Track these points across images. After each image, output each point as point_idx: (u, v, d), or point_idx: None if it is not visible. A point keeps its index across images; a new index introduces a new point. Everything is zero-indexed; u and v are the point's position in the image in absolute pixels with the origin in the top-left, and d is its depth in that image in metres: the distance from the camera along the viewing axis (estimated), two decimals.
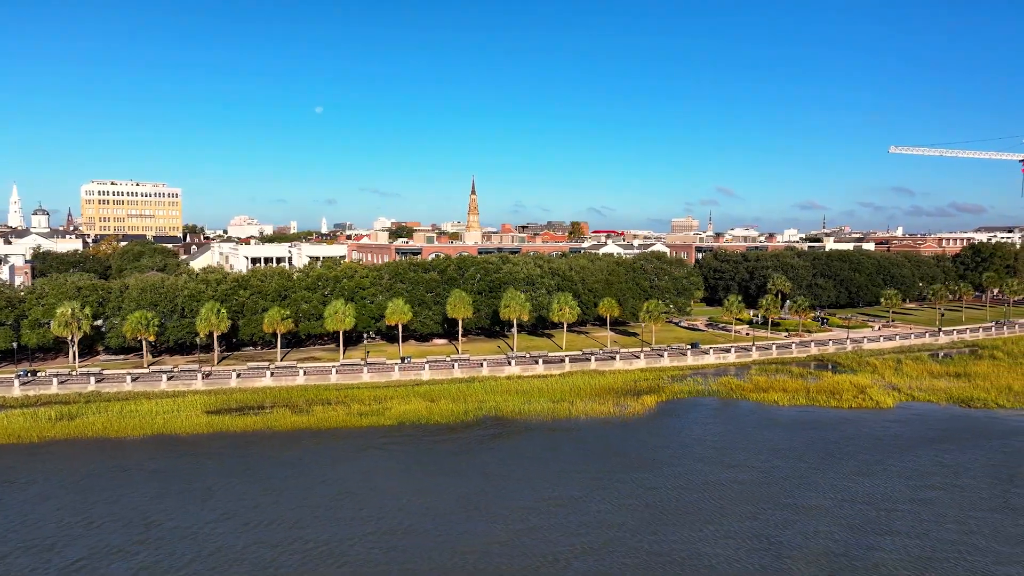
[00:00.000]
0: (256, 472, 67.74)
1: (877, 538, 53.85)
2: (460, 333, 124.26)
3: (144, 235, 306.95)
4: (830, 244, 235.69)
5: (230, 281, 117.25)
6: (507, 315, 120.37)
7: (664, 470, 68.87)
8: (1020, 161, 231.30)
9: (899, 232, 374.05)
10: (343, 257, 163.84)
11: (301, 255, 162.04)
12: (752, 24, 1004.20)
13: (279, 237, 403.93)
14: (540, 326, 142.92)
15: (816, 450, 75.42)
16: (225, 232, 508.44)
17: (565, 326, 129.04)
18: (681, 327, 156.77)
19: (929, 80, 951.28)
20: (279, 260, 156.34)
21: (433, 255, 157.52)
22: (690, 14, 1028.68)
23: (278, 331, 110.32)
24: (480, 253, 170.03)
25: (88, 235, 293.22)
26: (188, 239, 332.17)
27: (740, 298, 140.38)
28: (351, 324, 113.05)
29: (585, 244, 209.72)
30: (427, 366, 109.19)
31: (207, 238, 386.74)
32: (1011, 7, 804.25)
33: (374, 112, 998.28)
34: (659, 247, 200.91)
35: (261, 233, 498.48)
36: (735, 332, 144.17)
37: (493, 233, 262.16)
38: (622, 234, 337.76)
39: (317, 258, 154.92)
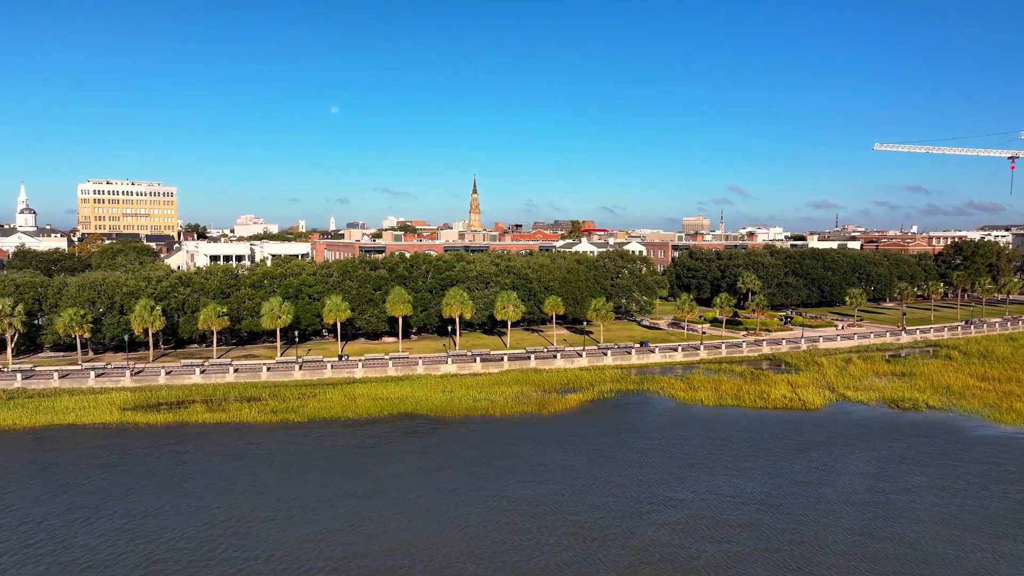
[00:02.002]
0: (130, 466, 67.94)
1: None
2: (401, 331, 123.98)
3: (138, 234, 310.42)
4: (813, 243, 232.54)
5: (171, 279, 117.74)
6: (448, 312, 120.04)
7: (508, 473, 67.19)
8: (1008, 158, 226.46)
9: (913, 230, 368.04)
10: (305, 255, 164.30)
11: (263, 253, 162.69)
12: (764, 22, 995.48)
13: (283, 236, 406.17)
14: (496, 324, 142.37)
15: (689, 452, 74.14)
16: (232, 231, 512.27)
17: (510, 324, 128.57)
18: (643, 325, 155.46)
19: (939, 78, 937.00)
20: (239, 258, 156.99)
21: (394, 253, 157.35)
22: (703, 12, 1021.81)
23: (213, 328, 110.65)
24: (446, 251, 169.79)
25: (74, 233, 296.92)
26: (183, 238, 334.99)
27: (692, 296, 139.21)
28: (288, 322, 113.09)
29: (558, 243, 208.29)
30: (361, 364, 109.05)
31: (202, 236, 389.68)
32: None
33: (388, 112, 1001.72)
34: (634, 245, 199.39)
35: (266, 231, 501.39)
36: (688, 330, 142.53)
37: (472, 232, 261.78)
38: (604, 231, 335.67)
39: (279, 256, 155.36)
